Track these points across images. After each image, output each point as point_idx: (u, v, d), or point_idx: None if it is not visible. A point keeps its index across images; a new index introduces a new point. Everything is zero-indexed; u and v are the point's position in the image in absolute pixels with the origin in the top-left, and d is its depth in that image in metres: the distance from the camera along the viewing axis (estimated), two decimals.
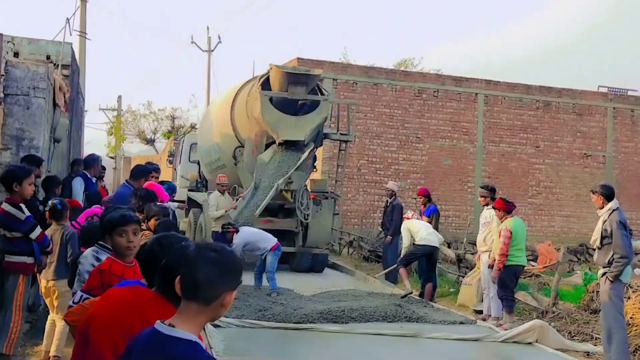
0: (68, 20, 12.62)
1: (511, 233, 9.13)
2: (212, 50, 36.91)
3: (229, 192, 13.68)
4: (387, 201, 14.07)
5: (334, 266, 14.79)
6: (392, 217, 13.50)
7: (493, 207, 9.58)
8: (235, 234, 10.11)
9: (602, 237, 7.52)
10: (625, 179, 23.22)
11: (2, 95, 8.13)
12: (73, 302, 3.78)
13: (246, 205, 11.90)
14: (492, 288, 9.60)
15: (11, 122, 8.67)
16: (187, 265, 2.27)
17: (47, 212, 6.67)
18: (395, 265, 11.19)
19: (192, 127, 38.25)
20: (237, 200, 12.13)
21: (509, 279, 9.27)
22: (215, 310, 2.29)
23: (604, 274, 7.55)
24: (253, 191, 12.04)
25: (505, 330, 8.52)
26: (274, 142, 12.76)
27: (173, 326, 2.23)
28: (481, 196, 10.15)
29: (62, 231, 6.52)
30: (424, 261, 10.84)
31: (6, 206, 6.22)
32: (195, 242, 2.46)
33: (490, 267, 9.46)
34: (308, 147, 12.89)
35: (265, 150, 12.91)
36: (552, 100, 22.86)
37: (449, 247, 15.88)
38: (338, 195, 13.95)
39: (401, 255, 10.89)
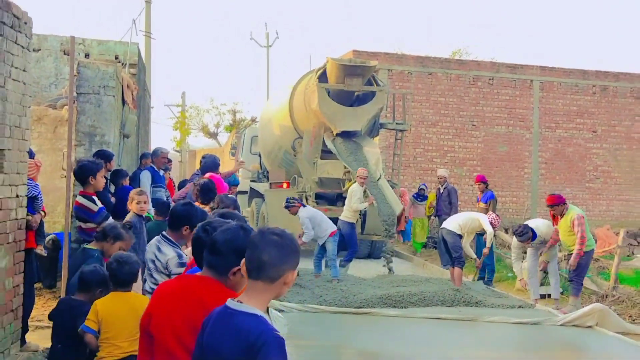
0: (134, 21, 12.89)
1: (583, 218, 8.97)
2: (271, 46, 37.23)
3: (288, 184, 13.76)
4: (439, 188, 13.97)
5: (392, 252, 14.74)
6: (450, 201, 13.41)
7: (549, 205, 9.31)
8: (300, 208, 10.08)
9: None
10: None
11: (75, 94, 8.36)
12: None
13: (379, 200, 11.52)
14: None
15: (84, 119, 8.94)
16: (253, 248, 2.39)
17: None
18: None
19: (253, 120, 38.53)
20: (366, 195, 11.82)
21: (585, 264, 9.15)
22: (278, 288, 2.40)
23: None
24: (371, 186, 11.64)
25: (565, 314, 8.35)
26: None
27: (240, 302, 2.36)
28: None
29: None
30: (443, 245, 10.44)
31: (80, 199, 6.42)
32: (258, 227, 2.55)
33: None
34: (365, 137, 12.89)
35: (322, 142, 12.92)
36: (609, 84, 22.15)
37: (506, 232, 15.64)
38: (395, 184, 13.84)
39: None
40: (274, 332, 2.26)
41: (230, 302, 2.38)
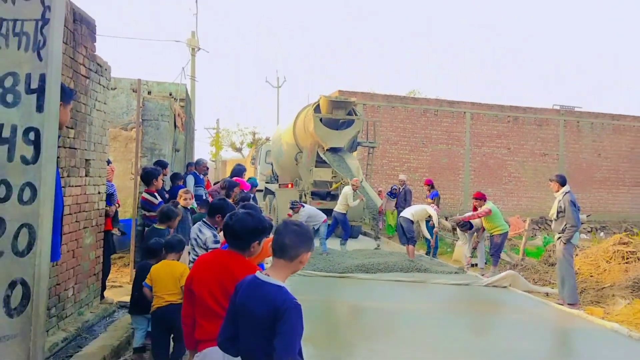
0: (183, 68, 12.90)
1: (491, 211, 8.98)
2: (280, 87, 37.10)
3: (292, 185, 13.72)
4: (399, 188, 13.95)
5: (366, 234, 14.72)
6: (406, 198, 13.37)
7: (474, 198, 9.38)
8: (301, 208, 9.98)
9: (558, 212, 7.33)
10: (573, 171, 22.41)
11: (141, 120, 8.34)
12: None
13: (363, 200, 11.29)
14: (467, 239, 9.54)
15: (147, 138, 8.90)
16: (278, 234, 2.32)
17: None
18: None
19: (267, 139, 38.44)
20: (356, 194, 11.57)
21: (502, 242, 9.19)
22: (296, 265, 2.33)
23: (559, 238, 7.36)
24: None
25: (487, 278, 8.37)
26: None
27: (268, 275, 2.29)
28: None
29: None
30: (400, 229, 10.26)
31: (145, 195, 6.40)
32: (283, 219, 2.47)
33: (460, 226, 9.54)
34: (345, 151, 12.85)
35: (317, 155, 12.90)
36: (519, 115, 22.23)
37: (446, 219, 15.64)
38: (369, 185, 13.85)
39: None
40: (294, 301, 2.20)
41: (259, 274, 2.31)
